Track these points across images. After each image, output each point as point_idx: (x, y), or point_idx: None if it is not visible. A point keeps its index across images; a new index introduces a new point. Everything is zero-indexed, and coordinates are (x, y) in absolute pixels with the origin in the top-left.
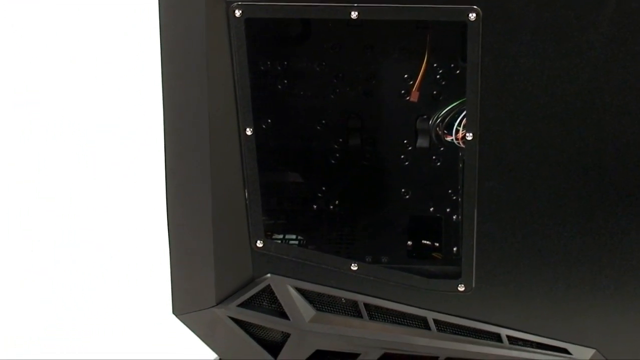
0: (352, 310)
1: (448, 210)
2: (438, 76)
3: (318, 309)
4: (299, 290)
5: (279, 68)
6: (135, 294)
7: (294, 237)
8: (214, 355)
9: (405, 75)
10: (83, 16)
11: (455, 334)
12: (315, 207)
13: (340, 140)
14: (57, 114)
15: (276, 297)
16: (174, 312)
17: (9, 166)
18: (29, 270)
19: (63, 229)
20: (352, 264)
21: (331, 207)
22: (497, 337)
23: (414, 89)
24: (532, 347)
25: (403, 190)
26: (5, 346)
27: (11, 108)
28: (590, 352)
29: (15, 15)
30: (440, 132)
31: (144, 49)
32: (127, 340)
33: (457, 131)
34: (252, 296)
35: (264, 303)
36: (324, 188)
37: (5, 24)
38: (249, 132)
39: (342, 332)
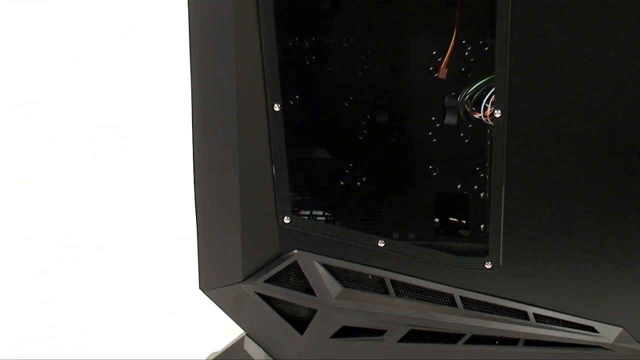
0: (378, 286)
1: (475, 187)
2: (467, 53)
3: (345, 286)
4: (325, 266)
5: (308, 44)
6: (135, 294)
7: (321, 213)
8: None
9: (434, 52)
10: (83, 16)
11: (481, 311)
12: (342, 183)
13: (368, 116)
14: (57, 114)
15: (303, 273)
16: (200, 288)
17: (9, 166)
18: (29, 270)
19: (63, 229)
20: (379, 241)
21: (358, 183)
22: (523, 315)
23: (442, 66)
24: (559, 325)
25: (431, 167)
26: (5, 346)
27: (11, 108)
28: (617, 330)
29: (15, 15)
30: (468, 109)
31: (143, 49)
32: (127, 341)
33: (486, 108)
34: (278, 272)
35: (291, 279)
36: (351, 164)
37: (6, 24)
38: (276, 108)
39: (368, 308)
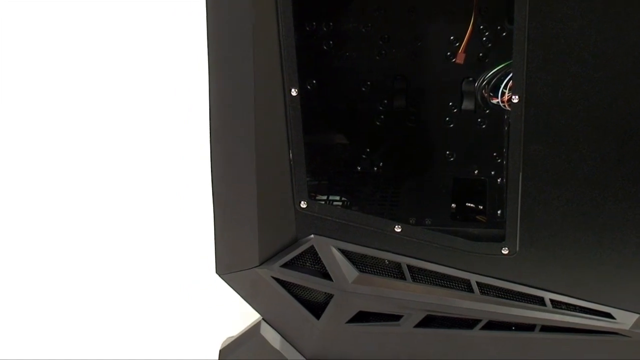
0: (395, 271)
1: (492, 173)
2: (484, 38)
3: (361, 270)
4: (342, 251)
5: (325, 29)
6: (135, 294)
7: (337, 198)
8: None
9: (452, 37)
10: (82, 15)
11: (498, 297)
12: (359, 168)
13: (386, 101)
14: (56, 113)
15: (319, 258)
16: (217, 272)
17: (9, 166)
18: (29, 270)
19: (63, 229)
20: (396, 226)
21: (375, 168)
22: (540, 301)
23: (460, 51)
24: (576, 311)
25: (448, 152)
26: (5, 346)
27: (11, 108)
28: (634, 317)
29: (15, 14)
30: (485, 95)
31: (142, 49)
32: (127, 341)
33: (503, 94)
34: (295, 257)
35: (307, 264)
36: (368, 150)
37: (6, 24)
38: (294, 92)
39: (385, 293)
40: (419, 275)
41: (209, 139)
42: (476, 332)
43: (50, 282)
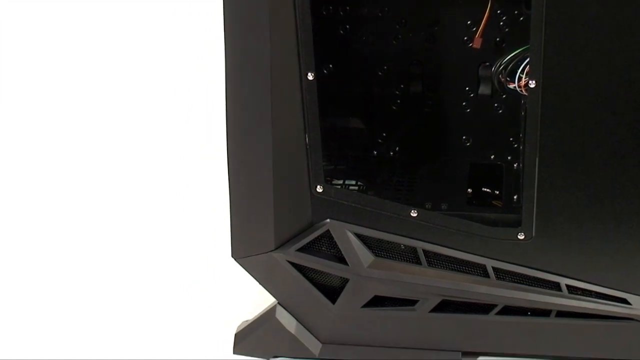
0: (411, 256)
1: (509, 158)
2: (501, 23)
3: (377, 255)
4: (358, 235)
5: (342, 13)
6: (134, 294)
7: (353, 182)
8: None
9: (469, 22)
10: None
11: (514, 282)
12: (375, 153)
13: (402, 86)
14: (55, 113)
15: (335, 242)
16: (232, 256)
17: (8, 166)
18: (29, 270)
19: (63, 229)
20: (412, 211)
21: (391, 153)
22: (556, 286)
23: (476, 36)
24: (592, 297)
25: (464, 137)
26: (5, 346)
27: (10, 108)
28: None
29: (15, 15)
30: (502, 80)
31: (139, 49)
32: (127, 341)
33: (520, 79)
34: (311, 241)
35: (323, 248)
36: (384, 134)
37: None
38: (310, 77)
39: (400, 278)
40: (434, 260)
41: (225, 124)
42: (492, 317)
43: (57, 274)
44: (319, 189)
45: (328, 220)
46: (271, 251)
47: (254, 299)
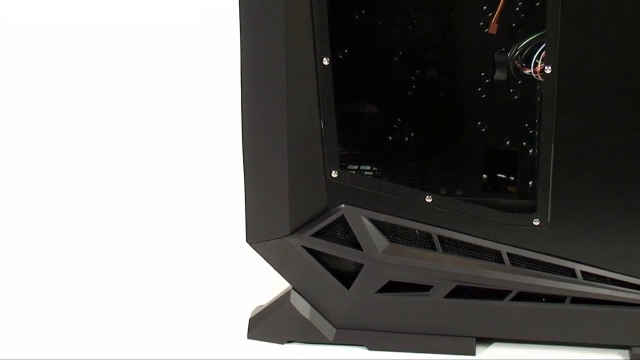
0: (425, 242)
1: (524, 143)
2: (517, 8)
3: (391, 240)
4: (372, 221)
5: None
6: (135, 294)
7: (368, 168)
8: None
9: (484, 7)
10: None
11: (528, 268)
12: (390, 138)
13: (417, 71)
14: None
15: (350, 227)
16: (247, 241)
17: (8, 166)
18: (29, 270)
19: (63, 229)
20: (427, 196)
21: (406, 139)
22: (571, 273)
23: (492, 21)
24: (606, 283)
25: (479, 123)
26: (5, 346)
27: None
28: None
29: (15, 14)
30: (518, 65)
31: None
32: (127, 341)
33: (536, 64)
34: (325, 226)
35: (338, 233)
36: (399, 120)
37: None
38: (325, 62)
39: (415, 264)
40: (449, 245)
41: (240, 109)
42: (506, 303)
43: (36, 284)
44: (334, 174)
45: (343, 205)
46: (286, 236)
47: (268, 284)
